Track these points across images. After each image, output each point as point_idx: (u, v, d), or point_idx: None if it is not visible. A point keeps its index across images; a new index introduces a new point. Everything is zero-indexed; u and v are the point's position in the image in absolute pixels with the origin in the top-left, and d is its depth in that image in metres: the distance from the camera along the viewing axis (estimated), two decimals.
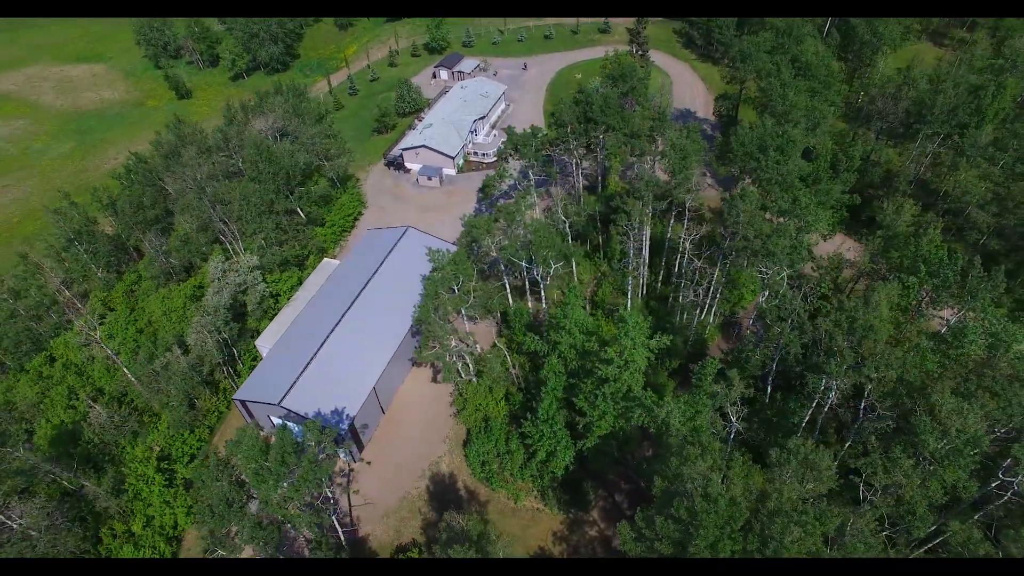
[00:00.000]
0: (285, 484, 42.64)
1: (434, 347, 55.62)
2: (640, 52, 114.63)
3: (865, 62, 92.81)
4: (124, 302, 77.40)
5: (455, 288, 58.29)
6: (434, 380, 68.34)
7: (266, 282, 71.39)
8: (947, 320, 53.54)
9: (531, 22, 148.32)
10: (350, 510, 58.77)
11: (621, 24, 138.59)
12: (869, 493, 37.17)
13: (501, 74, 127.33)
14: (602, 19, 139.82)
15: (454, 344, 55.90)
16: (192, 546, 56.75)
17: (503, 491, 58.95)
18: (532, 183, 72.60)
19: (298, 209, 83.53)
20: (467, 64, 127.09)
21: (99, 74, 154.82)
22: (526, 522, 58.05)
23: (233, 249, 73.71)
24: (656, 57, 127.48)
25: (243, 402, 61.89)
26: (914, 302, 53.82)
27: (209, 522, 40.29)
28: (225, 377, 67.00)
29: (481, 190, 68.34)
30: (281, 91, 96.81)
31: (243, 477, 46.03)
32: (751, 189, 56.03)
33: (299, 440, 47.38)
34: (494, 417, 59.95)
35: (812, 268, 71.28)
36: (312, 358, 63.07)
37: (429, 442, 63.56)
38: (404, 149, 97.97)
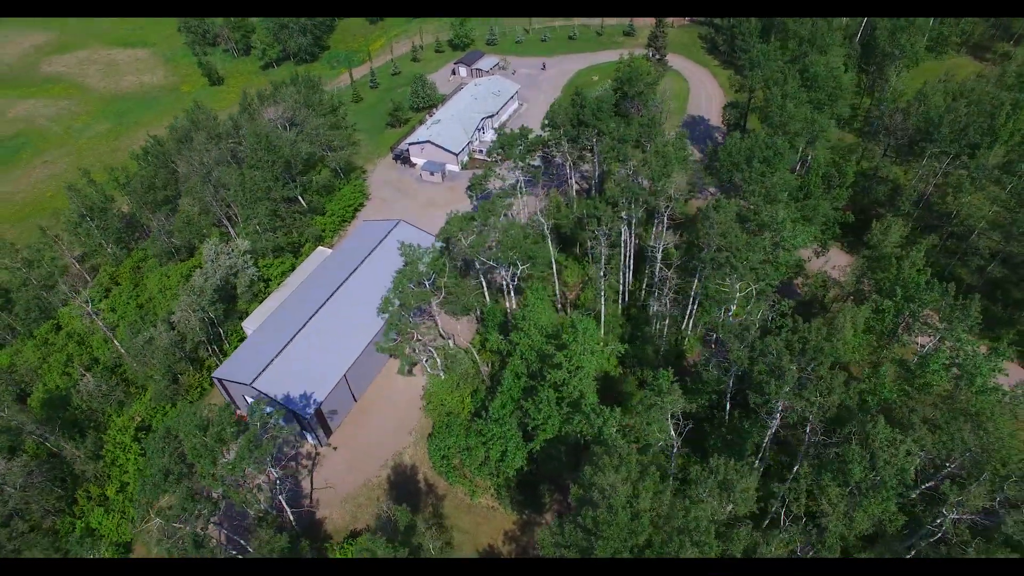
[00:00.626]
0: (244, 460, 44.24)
1: (395, 340, 56.57)
2: (657, 56, 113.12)
3: (884, 75, 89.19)
4: (130, 278, 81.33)
5: (426, 283, 59.11)
6: (410, 373, 69.47)
7: (257, 266, 73.81)
8: (922, 347, 51.36)
9: (557, 22, 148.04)
10: (311, 491, 60.52)
11: (647, 27, 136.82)
12: (788, 519, 36.13)
13: (519, 73, 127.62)
14: (627, 21, 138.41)
15: (416, 338, 56.75)
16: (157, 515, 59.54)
17: (460, 486, 59.55)
18: (520, 183, 72.71)
19: (299, 197, 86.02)
20: (486, 62, 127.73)
21: (142, 59, 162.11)
22: (480, 519, 58.50)
23: (229, 233, 76.41)
24: (677, 62, 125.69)
25: (220, 380, 64.42)
26: (889, 327, 51.86)
27: (146, 491, 42.30)
28: (210, 355, 69.67)
29: (469, 188, 68.82)
30: (296, 82, 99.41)
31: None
32: (725, 201, 54.73)
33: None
34: (456, 413, 60.61)
35: (799, 285, 69.58)
36: (288, 343, 64.97)
37: (396, 433, 64.65)
38: (410, 144, 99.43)
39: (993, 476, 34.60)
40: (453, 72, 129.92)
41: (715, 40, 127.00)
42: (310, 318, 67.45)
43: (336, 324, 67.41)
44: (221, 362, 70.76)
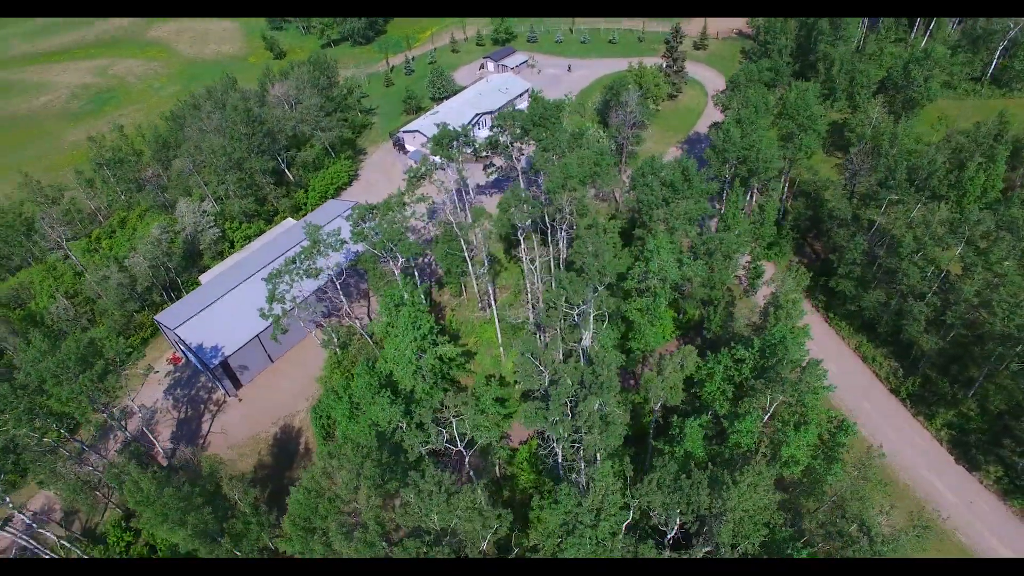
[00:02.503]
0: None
1: (275, 309, 60.55)
2: (674, 67, 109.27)
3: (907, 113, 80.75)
4: (135, 223, 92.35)
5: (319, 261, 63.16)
6: (344, 347, 74.01)
7: (220, 228, 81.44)
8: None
9: (601, 25, 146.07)
10: (207, 433, 67.09)
11: (692, 35, 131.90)
12: None
13: (545, 73, 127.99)
14: (670, 28, 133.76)
15: (295, 312, 61.01)
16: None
17: None
18: (462, 179, 74.77)
19: (286, 170, 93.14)
20: (514, 59, 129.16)
21: (228, 31, 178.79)
22: None
23: (202, 194, 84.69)
24: (707, 75, 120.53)
25: (158, 322, 72.55)
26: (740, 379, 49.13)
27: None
28: (164, 300, 78.24)
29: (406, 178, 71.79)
30: (315, 62, 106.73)
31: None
32: (605, 222, 53.73)
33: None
34: (340, 387, 64.43)
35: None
36: (218, 299, 71.66)
37: (296, 397, 69.64)
38: (404, 132, 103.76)
39: None
40: (481, 66, 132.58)
41: (754, 55, 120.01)
42: (245, 280, 73.78)
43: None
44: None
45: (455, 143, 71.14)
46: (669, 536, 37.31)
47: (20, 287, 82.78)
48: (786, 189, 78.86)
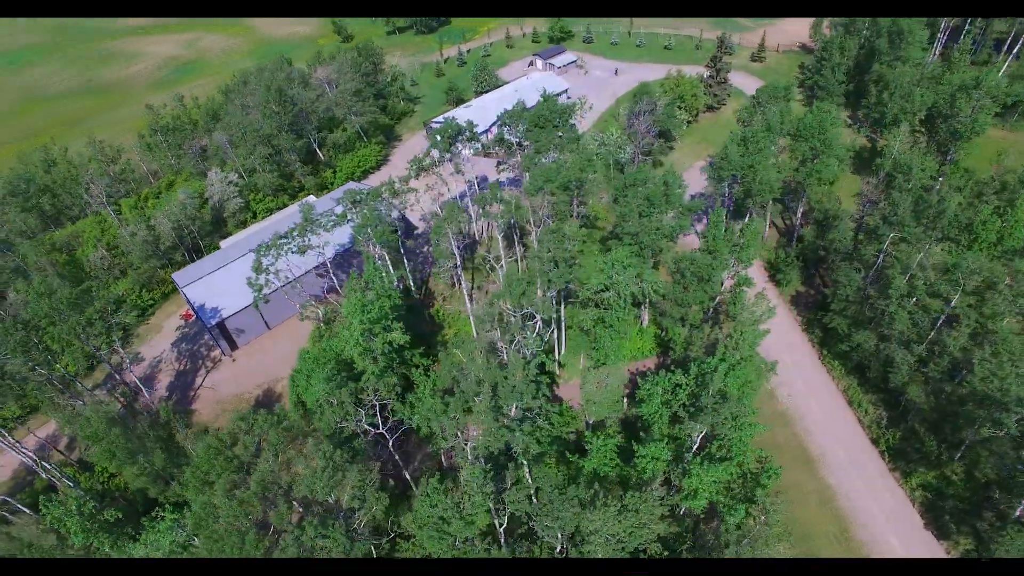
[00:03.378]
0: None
1: (260, 279, 64.18)
2: (717, 78, 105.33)
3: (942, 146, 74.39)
4: (181, 185, 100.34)
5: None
6: (328, 325, 77.86)
7: (243, 198, 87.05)
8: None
9: (661, 29, 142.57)
10: (199, 387, 72.47)
11: (750, 46, 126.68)
12: None
13: (592, 74, 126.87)
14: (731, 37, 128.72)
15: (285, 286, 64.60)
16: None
17: None
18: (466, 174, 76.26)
19: (317, 149, 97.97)
20: (562, 58, 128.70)
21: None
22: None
23: (234, 166, 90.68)
24: (755, 87, 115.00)
25: (174, 280, 78.78)
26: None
27: None
28: (186, 260, 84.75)
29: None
30: (361, 49, 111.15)
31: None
32: (570, 229, 53.36)
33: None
34: (317, 358, 67.74)
35: None
36: (226, 264, 76.83)
37: (283, 364, 73.50)
38: (435, 122, 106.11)
39: None
40: (530, 63, 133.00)
41: (810, 70, 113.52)
42: (252, 249, 78.52)
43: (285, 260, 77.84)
44: None
45: (458, 138, 72.46)
46: (558, 548, 37.35)
47: (73, 235, 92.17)
48: (801, 215, 74.86)
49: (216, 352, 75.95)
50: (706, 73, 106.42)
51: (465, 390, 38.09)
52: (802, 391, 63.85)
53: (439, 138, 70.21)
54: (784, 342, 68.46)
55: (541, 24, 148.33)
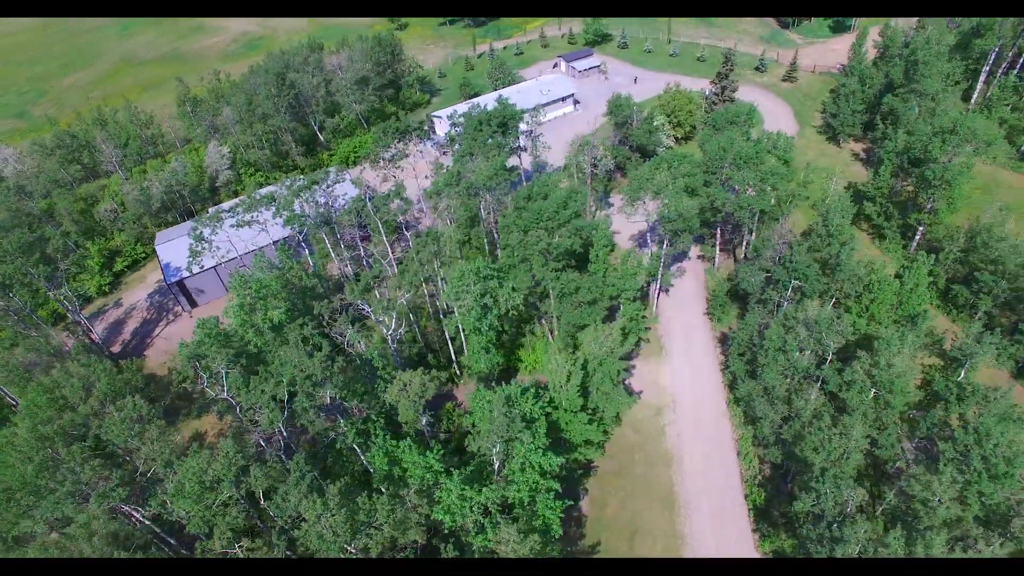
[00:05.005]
0: None
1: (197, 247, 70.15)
2: (722, 96, 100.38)
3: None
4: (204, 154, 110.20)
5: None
6: None
7: (235, 171, 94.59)
8: None
9: (703, 39, 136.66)
10: (155, 336, 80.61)
11: (785, 63, 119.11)
12: None
13: (612, 80, 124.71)
14: (760, 56, 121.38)
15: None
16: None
17: None
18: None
19: (317, 132, 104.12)
20: (585, 62, 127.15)
21: None
22: None
23: (234, 141, 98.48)
24: (776, 109, 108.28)
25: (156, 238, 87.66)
26: None
27: None
28: (177, 222, 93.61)
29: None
30: (379, 39, 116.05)
31: None
32: (449, 232, 54.45)
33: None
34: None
35: None
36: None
37: None
38: (435, 115, 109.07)
39: None
40: (555, 65, 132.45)
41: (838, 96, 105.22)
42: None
43: (241, 232, 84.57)
44: None
45: (408, 134, 75.05)
46: None
47: (99, 188, 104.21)
48: (746, 247, 71.22)
49: (178, 308, 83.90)
50: (708, 90, 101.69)
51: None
52: (692, 434, 61.33)
53: (383, 134, 73.08)
54: (698, 380, 66.00)
55: (579, 24, 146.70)
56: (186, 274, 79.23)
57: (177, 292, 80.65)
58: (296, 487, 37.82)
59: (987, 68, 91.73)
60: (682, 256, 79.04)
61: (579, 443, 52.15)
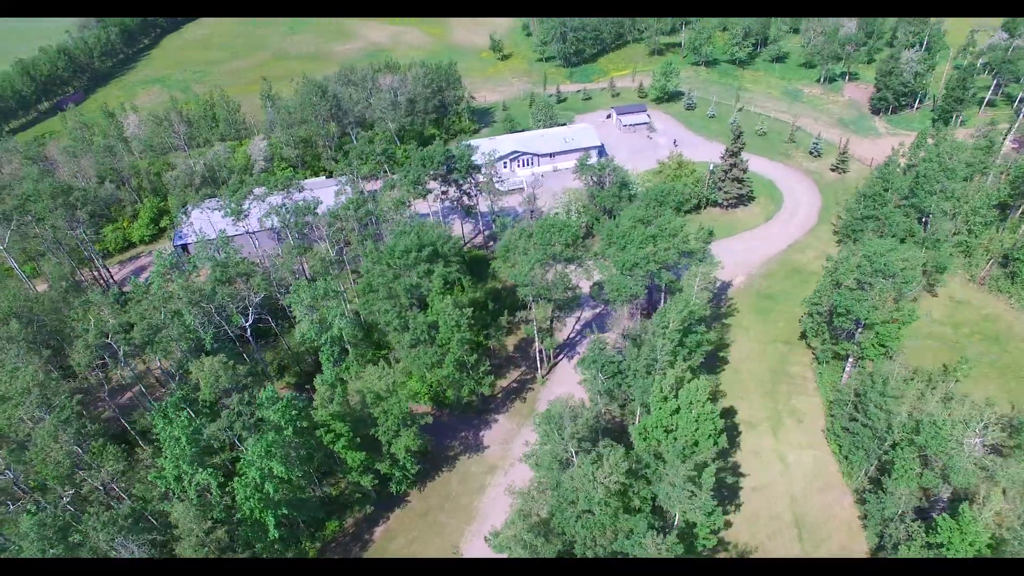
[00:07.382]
0: None
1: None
2: (731, 173, 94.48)
3: None
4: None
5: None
6: None
7: (268, 163, 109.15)
8: None
9: (773, 111, 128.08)
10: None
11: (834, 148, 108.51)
12: None
13: (655, 139, 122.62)
14: (814, 140, 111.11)
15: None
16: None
17: None
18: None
19: (354, 141, 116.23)
20: (634, 117, 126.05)
21: (499, 28, 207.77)
22: None
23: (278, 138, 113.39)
24: (803, 197, 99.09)
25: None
26: None
27: None
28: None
29: None
30: (436, 67, 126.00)
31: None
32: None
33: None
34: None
35: None
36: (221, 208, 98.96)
37: None
38: (463, 144, 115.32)
39: None
40: (608, 115, 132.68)
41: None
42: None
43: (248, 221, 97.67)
44: None
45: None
46: None
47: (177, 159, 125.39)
48: None
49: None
50: (714, 163, 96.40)
51: None
52: None
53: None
54: None
55: (652, 78, 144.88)
56: (189, 240, 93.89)
57: (180, 253, 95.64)
58: None
59: None
60: None
61: None
